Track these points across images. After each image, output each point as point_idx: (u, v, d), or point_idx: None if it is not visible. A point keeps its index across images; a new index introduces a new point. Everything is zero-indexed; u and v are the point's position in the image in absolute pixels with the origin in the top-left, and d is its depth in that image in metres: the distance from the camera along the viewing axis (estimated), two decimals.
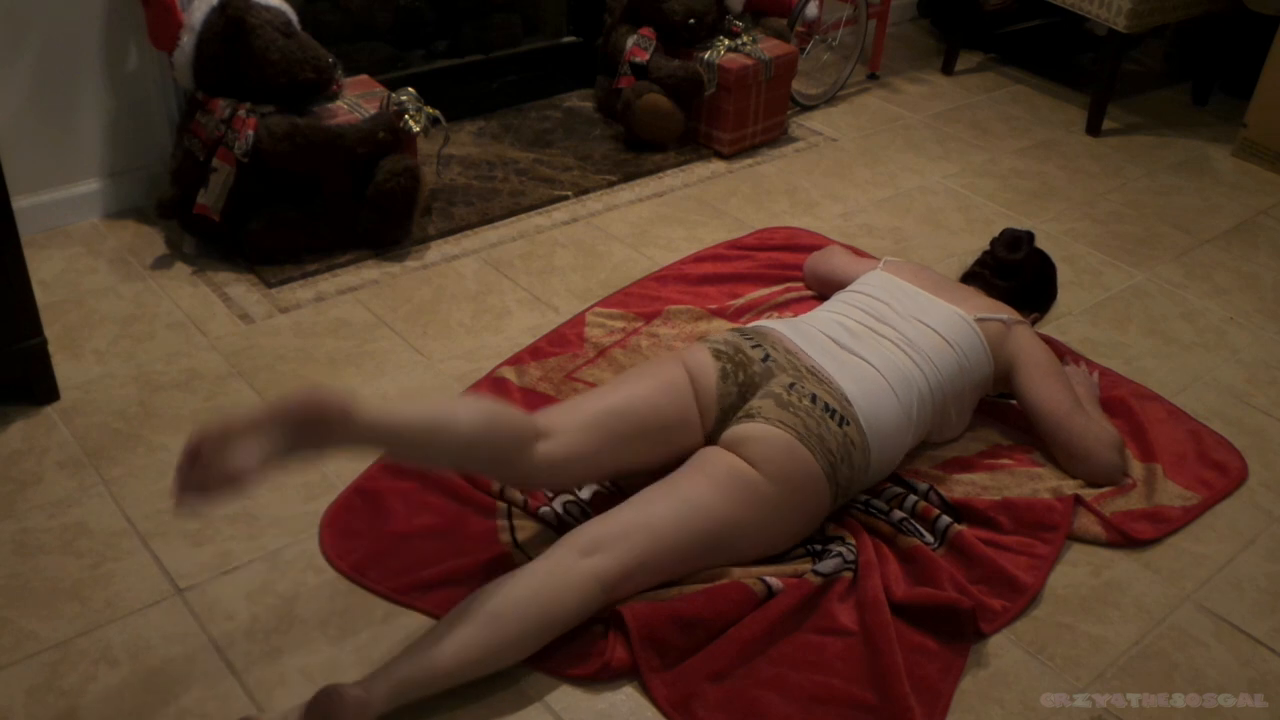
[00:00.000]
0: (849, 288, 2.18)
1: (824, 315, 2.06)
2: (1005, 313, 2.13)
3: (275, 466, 1.41)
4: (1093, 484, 2.02)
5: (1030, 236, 2.32)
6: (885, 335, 1.98)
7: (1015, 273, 2.29)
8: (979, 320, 2.07)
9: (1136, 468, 2.09)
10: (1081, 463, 2.02)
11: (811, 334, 1.96)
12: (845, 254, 2.53)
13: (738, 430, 1.79)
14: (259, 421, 1.39)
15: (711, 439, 1.84)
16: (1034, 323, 2.33)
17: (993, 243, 2.35)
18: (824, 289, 2.48)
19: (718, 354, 1.88)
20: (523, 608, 1.57)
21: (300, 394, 1.44)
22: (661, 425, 1.81)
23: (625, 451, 1.79)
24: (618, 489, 1.93)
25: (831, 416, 1.79)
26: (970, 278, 2.34)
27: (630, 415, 1.80)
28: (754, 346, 1.89)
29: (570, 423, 1.76)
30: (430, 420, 1.61)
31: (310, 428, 1.43)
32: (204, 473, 1.36)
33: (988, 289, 2.28)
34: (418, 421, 1.58)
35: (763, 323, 2.02)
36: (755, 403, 1.81)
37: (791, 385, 1.82)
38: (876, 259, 2.56)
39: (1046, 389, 2.06)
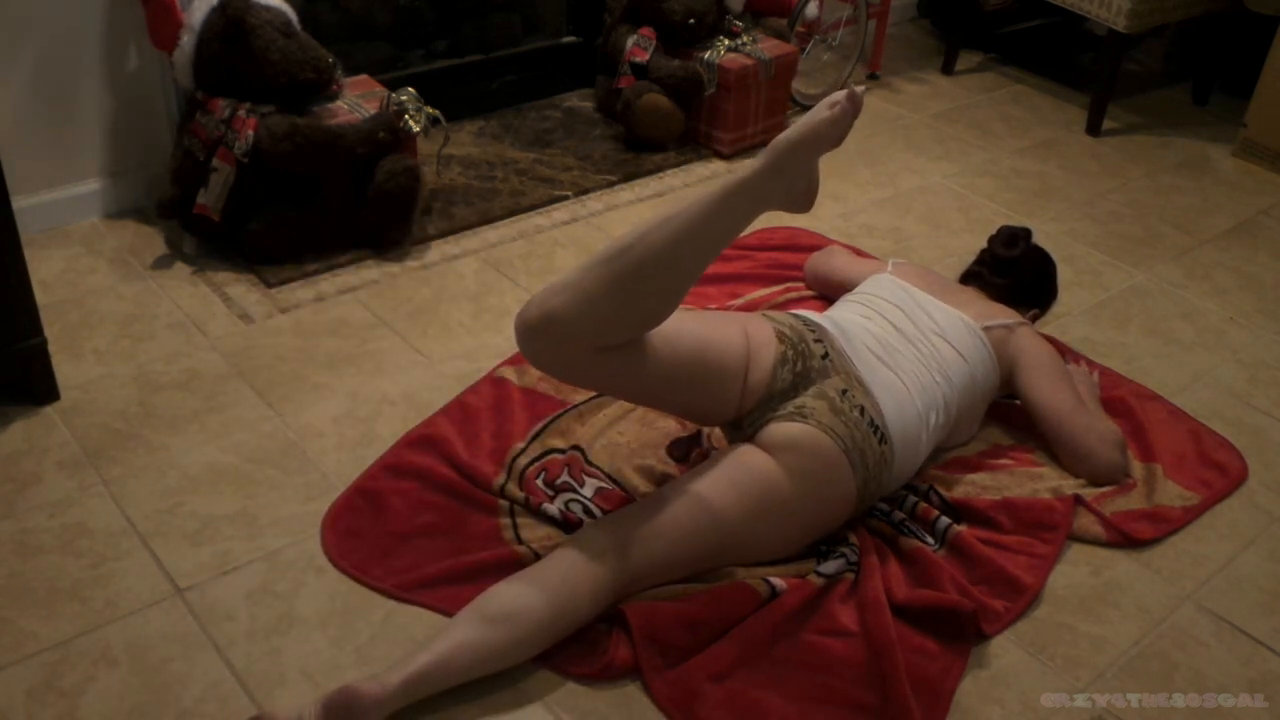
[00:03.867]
0: (861, 290, 2.14)
1: (856, 320, 1.99)
2: (1007, 317, 2.13)
3: None
4: (1095, 483, 2.02)
5: (1027, 233, 2.32)
6: (910, 349, 1.96)
7: (1013, 269, 2.29)
8: (985, 329, 2.07)
9: (1136, 468, 2.09)
10: (1083, 461, 2.02)
11: (854, 341, 1.90)
12: (847, 254, 2.53)
13: (786, 430, 1.74)
14: None
15: (746, 418, 1.80)
16: (1034, 319, 2.33)
17: (990, 240, 2.35)
18: (826, 289, 2.48)
19: (781, 336, 1.82)
20: (538, 610, 1.57)
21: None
22: (703, 373, 1.74)
23: (654, 373, 1.70)
24: (620, 486, 1.93)
25: (875, 433, 1.78)
26: (969, 276, 2.34)
27: (675, 344, 1.71)
28: (816, 340, 1.84)
29: (649, 349, 1.69)
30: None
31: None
32: None
33: (986, 287, 2.28)
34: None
35: (814, 317, 1.95)
36: (808, 401, 1.77)
37: (844, 392, 1.78)
38: (878, 259, 2.57)
39: (1049, 388, 2.06)
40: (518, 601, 1.57)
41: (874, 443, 1.77)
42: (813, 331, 1.86)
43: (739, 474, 1.72)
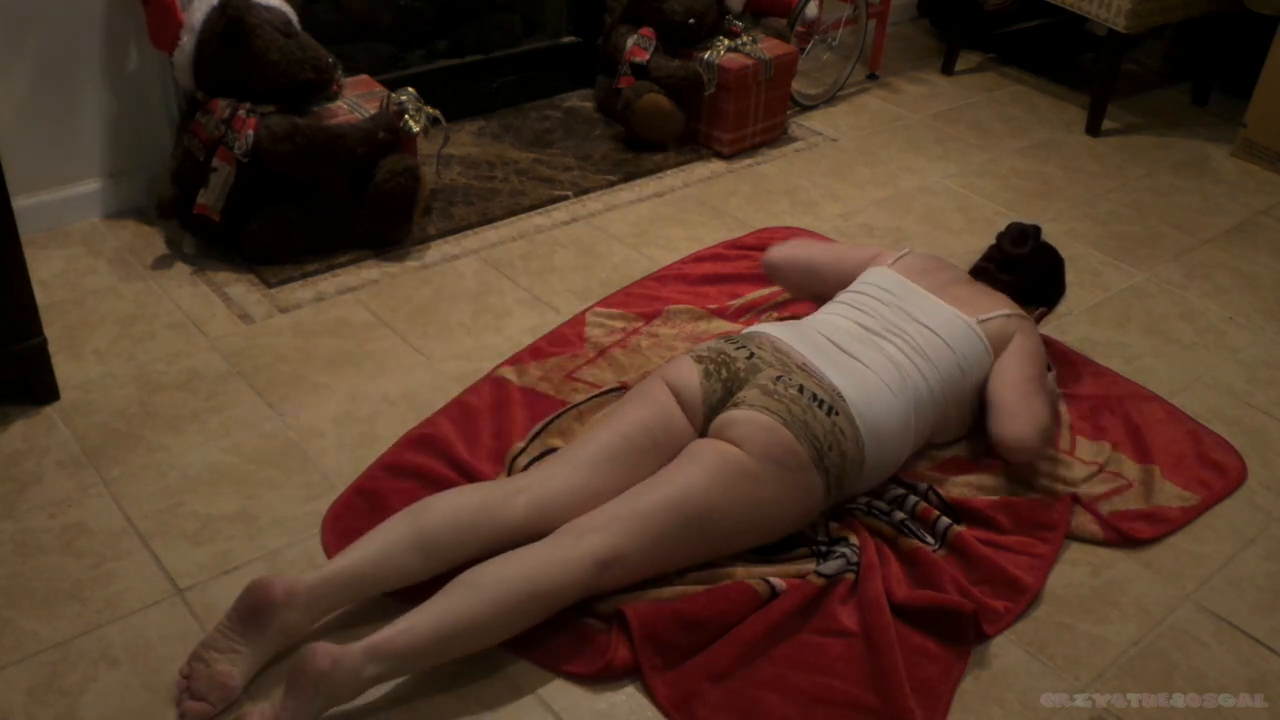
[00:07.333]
0: (849, 289, 2.15)
1: (823, 317, 2.06)
2: (1009, 308, 2.12)
3: (254, 662, 1.56)
4: (1002, 450, 1.99)
5: (1037, 230, 2.29)
6: (884, 338, 1.98)
7: (1020, 267, 2.27)
8: (981, 321, 2.06)
9: (1133, 469, 2.09)
10: (1008, 420, 1.97)
11: (807, 334, 1.97)
12: (827, 252, 2.38)
13: (722, 417, 1.81)
14: (222, 629, 1.57)
15: (702, 432, 1.86)
16: (1041, 317, 2.31)
17: (999, 237, 2.32)
18: (822, 290, 2.40)
19: (699, 359, 1.90)
20: (507, 579, 1.58)
21: (245, 588, 1.58)
22: (651, 441, 1.82)
23: (618, 474, 1.78)
24: None
25: (820, 406, 1.80)
26: (976, 273, 2.30)
27: (616, 441, 1.81)
28: (738, 348, 1.91)
29: (553, 471, 1.78)
30: (376, 553, 1.63)
31: (262, 612, 1.55)
32: (199, 688, 1.53)
33: (993, 284, 2.25)
34: (365, 560, 1.63)
35: (757, 327, 2.03)
36: (741, 394, 1.83)
37: (779, 378, 1.84)
38: (862, 248, 2.48)
39: (1019, 361, 2.03)
40: (485, 575, 1.58)
41: (819, 414, 1.79)
42: (733, 343, 1.94)
43: (702, 454, 1.76)
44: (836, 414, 1.81)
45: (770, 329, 1.99)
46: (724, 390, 1.85)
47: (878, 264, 2.21)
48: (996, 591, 1.81)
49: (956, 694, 1.65)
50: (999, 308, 2.11)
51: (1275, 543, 1.99)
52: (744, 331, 2.02)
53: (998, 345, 2.07)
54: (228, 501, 1.90)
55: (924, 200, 3.05)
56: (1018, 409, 1.98)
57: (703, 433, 1.85)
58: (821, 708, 1.60)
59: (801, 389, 1.82)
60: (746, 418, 1.78)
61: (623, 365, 2.24)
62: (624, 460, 1.79)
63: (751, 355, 1.89)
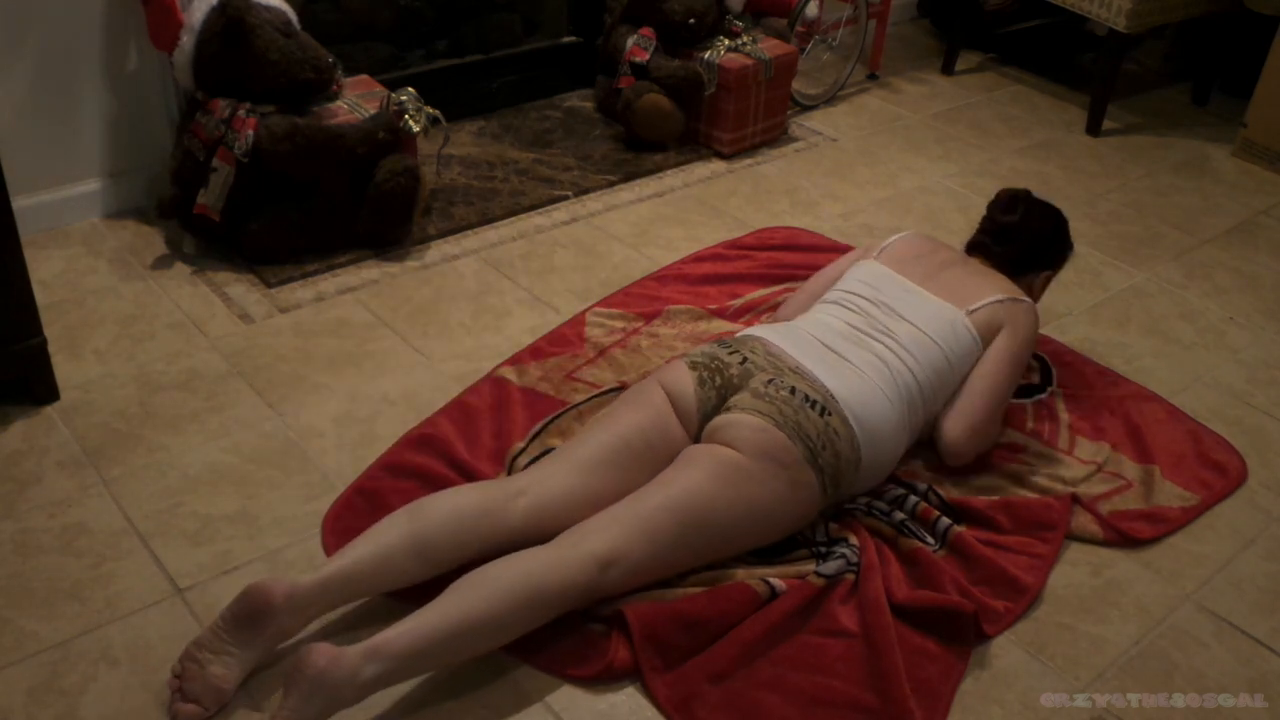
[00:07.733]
0: (836, 287, 2.14)
1: (814, 317, 2.06)
2: (1002, 292, 2.08)
3: (248, 664, 1.56)
4: (938, 442, 2.01)
5: (1027, 194, 2.23)
6: (873, 337, 1.98)
7: (1015, 237, 2.20)
8: (970, 312, 2.04)
9: (1133, 469, 2.09)
10: (959, 425, 1.99)
11: (798, 337, 1.97)
12: (819, 276, 2.34)
13: (715, 422, 1.82)
14: (217, 630, 1.56)
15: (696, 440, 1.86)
16: (1046, 281, 2.27)
17: (990, 206, 2.26)
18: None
19: (693, 365, 1.90)
20: (508, 580, 1.57)
21: (242, 591, 1.57)
22: (647, 445, 1.82)
23: (616, 477, 1.78)
24: None
25: (812, 407, 1.80)
26: (973, 247, 2.26)
27: (614, 444, 1.81)
28: (731, 353, 1.91)
29: (551, 471, 1.78)
30: (374, 556, 1.63)
31: (261, 615, 1.55)
32: (192, 689, 1.53)
33: (990, 258, 2.21)
34: (362, 561, 1.62)
35: (750, 330, 2.03)
36: (734, 400, 1.83)
37: (770, 381, 1.84)
38: (841, 250, 2.47)
39: (998, 369, 2.02)
40: (487, 575, 1.58)
41: (811, 414, 1.79)
42: (726, 348, 1.94)
43: (698, 458, 1.77)
44: (829, 414, 1.81)
45: (763, 332, 1.99)
46: (718, 398, 1.86)
47: (865, 257, 2.20)
48: (996, 591, 1.81)
49: (956, 694, 1.65)
50: (990, 294, 2.07)
51: (1275, 543, 1.99)
52: (738, 335, 2.02)
53: (987, 335, 2.05)
54: (228, 501, 1.90)
55: (924, 200, 3.05)
56: (975, 420, 2.00)
57: (696, 438, 1.85)
58: (821, 708, 1.60)
59: (793, 390, 1.82)
60: (738, 420, 1.79)
61: (623, 365, 2.24)
62: (620, 464, 1.79)
63: (744, 360, 1.89)
